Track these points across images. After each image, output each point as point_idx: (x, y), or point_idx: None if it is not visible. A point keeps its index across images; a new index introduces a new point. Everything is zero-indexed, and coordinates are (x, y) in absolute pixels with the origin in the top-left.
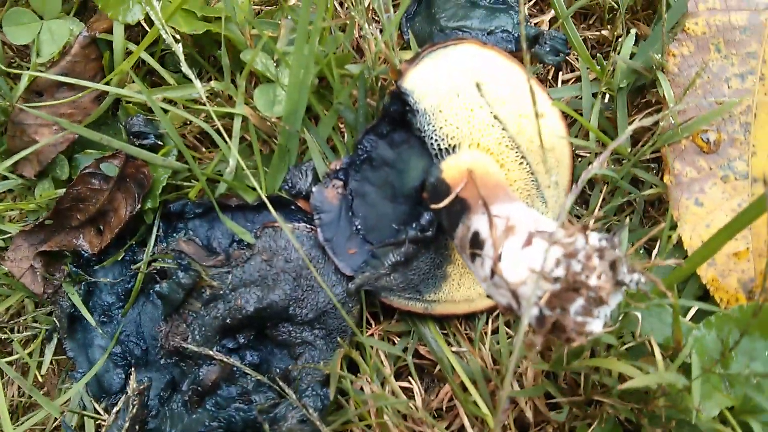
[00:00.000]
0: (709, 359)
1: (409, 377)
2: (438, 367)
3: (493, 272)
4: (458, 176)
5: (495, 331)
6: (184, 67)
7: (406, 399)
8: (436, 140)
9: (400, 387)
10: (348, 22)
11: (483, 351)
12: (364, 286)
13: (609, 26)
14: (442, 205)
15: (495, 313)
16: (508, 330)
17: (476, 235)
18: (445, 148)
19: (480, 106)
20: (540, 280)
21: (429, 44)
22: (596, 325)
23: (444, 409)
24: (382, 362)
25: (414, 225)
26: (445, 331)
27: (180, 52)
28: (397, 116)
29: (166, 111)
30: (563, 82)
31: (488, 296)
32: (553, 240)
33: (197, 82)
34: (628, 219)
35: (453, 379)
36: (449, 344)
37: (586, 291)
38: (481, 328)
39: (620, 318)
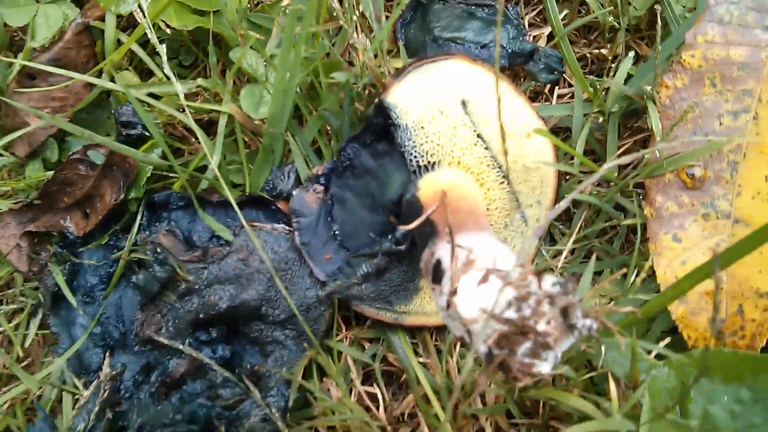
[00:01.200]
0: (666, 401)
1: (375, 383)
2: (405, 374)
3: (448, 304)
4: (433, 196)
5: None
6: (165, 68)
7: (368, 412)
8: (415, 156)
9: (367, 392)
10: (339, 27)
11: (450, 363)
12: (335, 293)
13: (609, 45)
14: (411, 227)
15: None
16: None
17: (438, 263)
18: (425, 165)
19: (464, 124)
20: (490, 320)
21: (416, 59)
22: (544, 367)
23: (407, 415)
24: (350, 367)
25: (389, 237)
26: (415, 341)
27: (163, 53)
28: (380, 129)
29: (151, 105)
30: (559, 96)
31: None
32: (507, 281)
33: (178, 85)
34: (594, 257)
35: (417, 390)
36: (417, 354)
37: (534, 335)
38: (450, 340)
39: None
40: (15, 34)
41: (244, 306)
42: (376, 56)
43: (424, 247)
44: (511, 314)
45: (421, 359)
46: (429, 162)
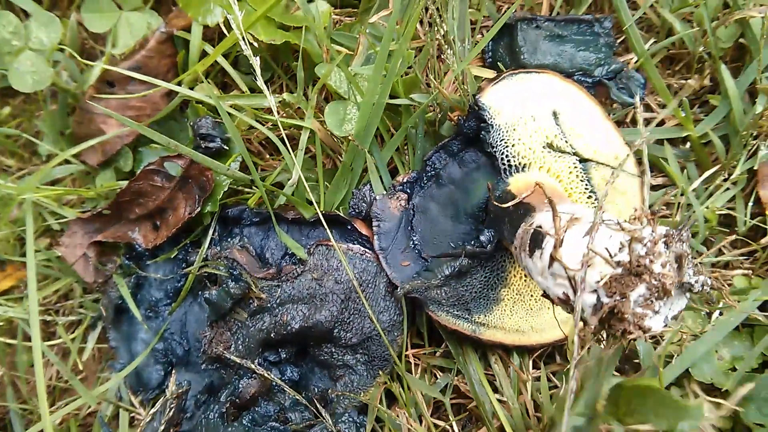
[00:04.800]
0: None
1: (447, 415)
2: (474, 403)
3: (552, 260)
4: (525, 187)
5: (537, 379)
6: (259, 81)
7: None
8: (507, 156)
9: (437, 424)
10: (425, 45)
11: (525, 397)
12: (413, 292)
13: (696, 75)
14: (507, 204)
15: (538, 354)
16: (552, 377)
17: (538, 230)
18: (515, 165)
19: (555, 134)
20: (601, 263)
21: (512, 69)
22: (656, 322)
23: None
24: (422, 395)
25: (473, 242)
26: (489, 372)
27: (257, 65)
28: (471, 133)
29: (233, 116)
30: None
31: (544, 294)
32: (618, 227)
33: (270, 97)
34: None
35: (492, 423)
36: (493, 387)
37: (649, 277)
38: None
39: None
40: (86, 42)
41: (317, 327)
42: (455, 81)
43: (515, 230)
44: (623, 257)
45: (497, 396)
46: (520, 163)
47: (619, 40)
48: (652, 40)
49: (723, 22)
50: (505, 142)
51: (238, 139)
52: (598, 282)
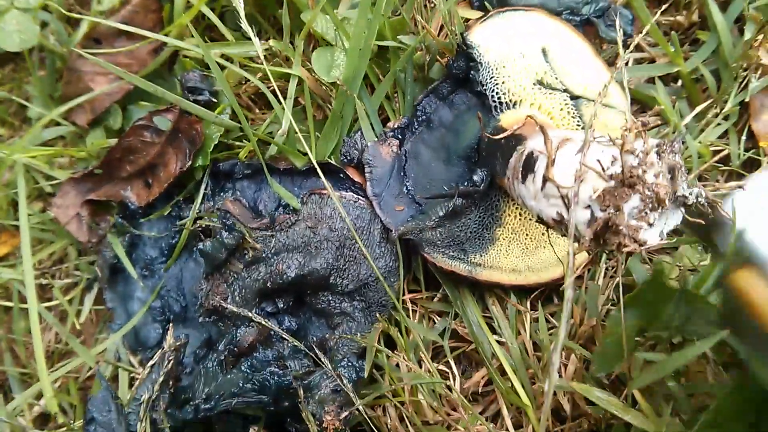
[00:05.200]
0: None
1: (447, 360)
2: (472, 346)
3: (544, 181)
4: (515, 123)
5: (536, 320)
6: (244, 24)
7: (443, 380)
8: (497, 94)
9: (437, 369)
10: None
11: (524, 337)
12: (408, 234)
13: (685, 12)
14: (499, 136)
15: (534, 295)
16: (551, 318)
17: (530, 155)
18: (506, 103)
19: (544, 71)
20: (593, 178)
21: (498, 7)
22: (652, 234)
23: (480, 393)
24: (420, 339)
25: (466, 182)
26: (487, 314)
27: (241, 8)
28: (461, 74)
29: (222, 68)
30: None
31: (538, 219)
32: (610, 141)
33: (256, 40)
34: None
35: (492, 364)
36: (492, 330)
37: (642, 188)
38: (522, 314)
39: None
40: (72, 7)
41: (313, 275)
42: (442, 29)
43: (507, 160)
44: (616, 169)
45: (496, 337)
46: (510, 101)
47: None
48: None
49: None
50: (495, 80)
51: (227, 89)
52: (591, 197)
